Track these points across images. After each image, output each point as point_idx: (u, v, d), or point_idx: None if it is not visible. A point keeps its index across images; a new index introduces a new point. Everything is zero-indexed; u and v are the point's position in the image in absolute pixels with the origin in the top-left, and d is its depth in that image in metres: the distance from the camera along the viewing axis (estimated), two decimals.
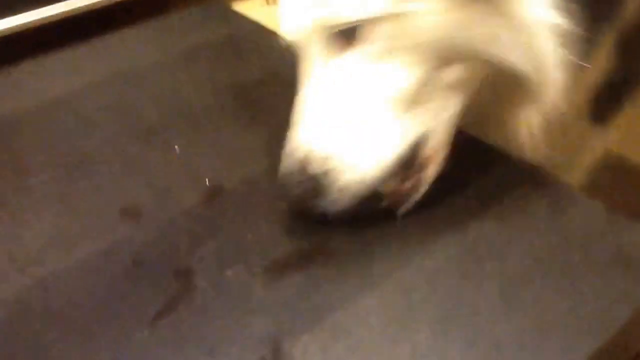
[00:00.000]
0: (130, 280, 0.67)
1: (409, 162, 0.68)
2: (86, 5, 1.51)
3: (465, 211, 0.72)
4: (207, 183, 0.78)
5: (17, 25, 1.45)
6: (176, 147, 0.83)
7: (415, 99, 0.66)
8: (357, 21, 0.64)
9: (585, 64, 0.70)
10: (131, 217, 0.74)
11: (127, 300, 0.64)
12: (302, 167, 0.65)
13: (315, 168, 0.65)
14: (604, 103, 0.98)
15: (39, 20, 1.47)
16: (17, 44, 1.44)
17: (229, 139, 0.86)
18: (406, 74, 0.65)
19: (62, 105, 0.95)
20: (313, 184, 0.65)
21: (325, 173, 0.65)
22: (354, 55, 0.66)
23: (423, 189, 0.70)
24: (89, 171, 0.81)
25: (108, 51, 1.09)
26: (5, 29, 1.44)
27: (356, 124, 0.66)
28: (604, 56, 0.87)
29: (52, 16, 1.48)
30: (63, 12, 1.48)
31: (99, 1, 1.51)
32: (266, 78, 0.98)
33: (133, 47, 1.09)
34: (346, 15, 0.64)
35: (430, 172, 0.70)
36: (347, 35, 0.65)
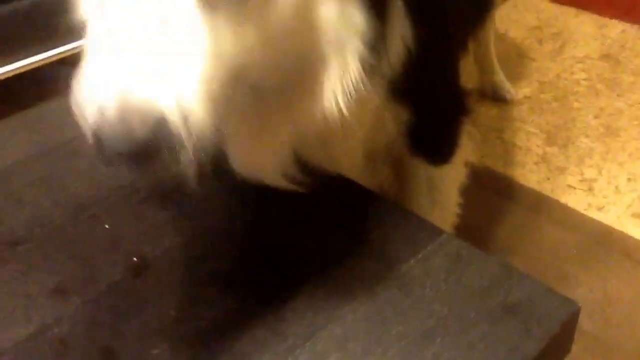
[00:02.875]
0: None
1: None
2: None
3: (372, 273, 0.78)
4: (134, 259, 0.82)
5: None
6: (106, 225, 0.87)
7: None
8: None
9: None
10: (60, 297, 0.78)
11: None
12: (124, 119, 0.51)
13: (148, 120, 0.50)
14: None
15: None
16: None
17: (155, 210, 0.90)
18: None
19: None
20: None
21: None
22: None
23: None
24: (19, 252, 0.84)
25: (38, 122, 1.12)
26: None
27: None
28: None
29: None
30: None
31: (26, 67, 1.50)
32: None
33: (62, 117, 1.12)
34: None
35: None
36: None
